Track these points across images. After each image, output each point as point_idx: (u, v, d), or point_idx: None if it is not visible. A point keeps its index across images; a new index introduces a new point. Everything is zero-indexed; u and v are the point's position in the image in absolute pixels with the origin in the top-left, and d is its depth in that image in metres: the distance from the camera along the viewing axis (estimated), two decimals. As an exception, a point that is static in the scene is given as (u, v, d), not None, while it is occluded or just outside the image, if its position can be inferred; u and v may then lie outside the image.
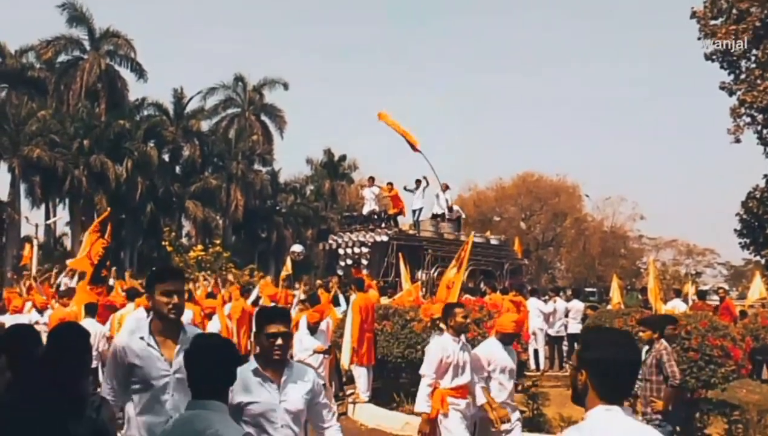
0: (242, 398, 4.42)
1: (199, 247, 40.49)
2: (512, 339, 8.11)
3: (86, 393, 3.89)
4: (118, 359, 4.69)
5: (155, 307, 4.74)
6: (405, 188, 27.52)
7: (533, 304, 19.75)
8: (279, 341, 4.53)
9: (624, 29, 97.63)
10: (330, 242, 27.78)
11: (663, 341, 8.60)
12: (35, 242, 33.90)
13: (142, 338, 4.70)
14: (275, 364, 4.59)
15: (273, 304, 13.85)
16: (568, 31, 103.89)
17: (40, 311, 14.12)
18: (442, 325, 8.00)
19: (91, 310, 13.08)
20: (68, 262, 15.65)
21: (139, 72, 54.46)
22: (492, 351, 7.93)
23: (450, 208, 28.07)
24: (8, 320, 13.04)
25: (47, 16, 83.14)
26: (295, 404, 4.59)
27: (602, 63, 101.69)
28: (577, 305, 20.68)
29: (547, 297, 22.10)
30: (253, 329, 4.74)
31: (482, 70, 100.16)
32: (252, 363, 4.60)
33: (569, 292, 23.33)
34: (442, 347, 7.66)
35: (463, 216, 29.02)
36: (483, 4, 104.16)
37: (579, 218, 64.43)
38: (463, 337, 7.85)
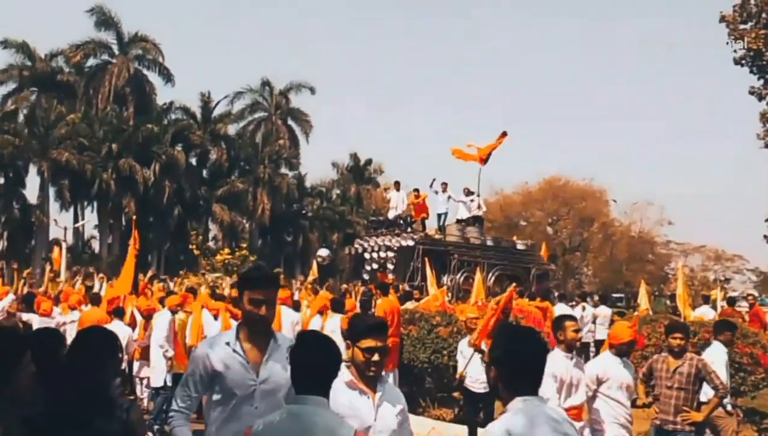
0: (338, 410, 4.04)
1: (226, 250, 40.66)
2: (629, 350, 7.49)
3: (113, 394, 3.93)
4: (199, 366, 4.36)
5: (243, 313, 4.43)
6: (431, 186, 27.37)
7: (560, 310, 19.61)
8: (376, 357, 4.28)
9: (651, 32, 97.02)
10: (356, 246, 27.81)
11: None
12: (64, 245, 34.15)
13: (228, 344, 4.36)
14: (369, 379, 4.35)
15: (286, 307, 13.80)
16: (593, 35, 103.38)
17: (72, 309, 14.29)
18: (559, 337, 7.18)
19: (119, 313, 13.20)
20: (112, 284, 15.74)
21: (167, 76, 54.89)
22: (607, 366, 7.29)
23: (478, 208, 27.80)
24: (36, 321, 13.17)
25: (76, 20, 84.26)
26: (389, 425, 4.35)
27: (629, 67, 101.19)
28: (605, 311, 20.56)
29: (574, 303, 21.98)
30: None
31: (509, 74, 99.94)
32: (345, 373, 4.33)
33: (596, 297, 23.18)
34: (553, 364, 6.73)
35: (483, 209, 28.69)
36: (501, 11, 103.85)
37: (606, 223, 63.98)
38: (575, 352, 7.17)
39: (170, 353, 12.46)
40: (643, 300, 22.88)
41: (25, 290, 17.05)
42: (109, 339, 4.10)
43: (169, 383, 12.44)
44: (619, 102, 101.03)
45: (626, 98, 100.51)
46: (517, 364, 3.55)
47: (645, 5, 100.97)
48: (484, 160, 25.74)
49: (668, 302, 26.70)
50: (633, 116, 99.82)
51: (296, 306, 14.97)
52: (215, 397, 4.36)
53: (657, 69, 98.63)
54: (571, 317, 7.47)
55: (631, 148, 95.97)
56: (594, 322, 20.02)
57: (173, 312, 12.98)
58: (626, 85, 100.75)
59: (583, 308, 20.11)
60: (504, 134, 25.96)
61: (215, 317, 13.16)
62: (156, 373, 12.50)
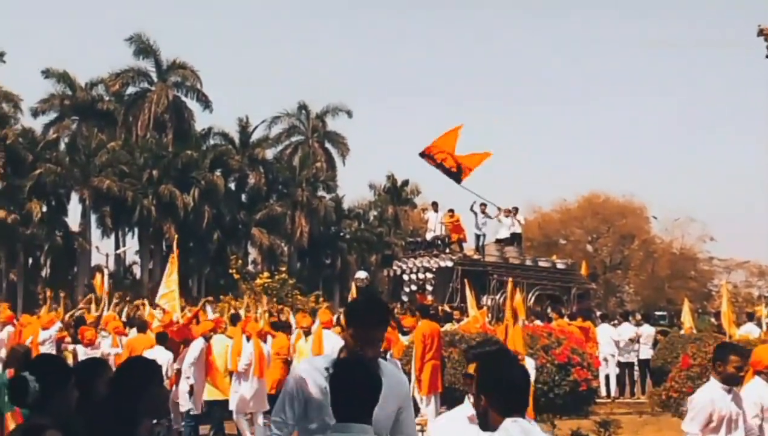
0: None
1: (265, 274, 40.81)
2: None
3: (148, 423, 3.97)
4: (295, 390, 4.12)
5: (348, 343, 4.16)
6: (471, 209, 27.33)
7: (604, 330, 19.43)
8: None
9: (688, 48, 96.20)
10: (394, 267, 27.76)
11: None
12: (106, 272, 34.55)
13: (327, 370, 4.05)
14: None
15: (328, 331, 13.78)
16: (632, 50, 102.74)
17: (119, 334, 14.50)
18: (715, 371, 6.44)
19: (162, 338, 13.31)
20: (159, 300, 15.89)
21: (205, 102, 55.58)
22: (762, 393, 6.54)
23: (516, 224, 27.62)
24: (81, 352, 13.33)
25: (115, 49, 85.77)
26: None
27: (667, 82, 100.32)
28: (648, 330, 20.29)
29: (616, 322, 21.75)
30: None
31: (545, 91, 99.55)
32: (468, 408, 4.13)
33: (638, 316, 22.88)
34: (710, 398, 6.21)
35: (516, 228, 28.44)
36: (542, 33, 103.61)
37: (647, 240, 63.23)
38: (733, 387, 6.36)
39: (191, 381, 12.55)
40: (686, 318, 22.54)
41: (77, 313, 17.32)
42: (149, 368, 4.14)
43: (196, 411, 12.54)
44: (658, 116, 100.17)
45: (665, 113, 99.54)
46: (508, 389, 3.63)
47: (689, 19, 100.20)
48: (457, 171, 24.28)
49: (712, 320, 26.23)
50: (672, 131, 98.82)
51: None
52: (311, 425, 4.12)
53: (698, 83, 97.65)
54: (737, 350, 6.59)
55: (670, 163, 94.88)
56: (638, 341, 19.75)
57: (206, 338, 13.07)
58: (664, 99, 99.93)
59: (625, 327, 19.86)
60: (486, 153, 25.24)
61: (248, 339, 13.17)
62: (183, 398, 12.61)
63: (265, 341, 13.79)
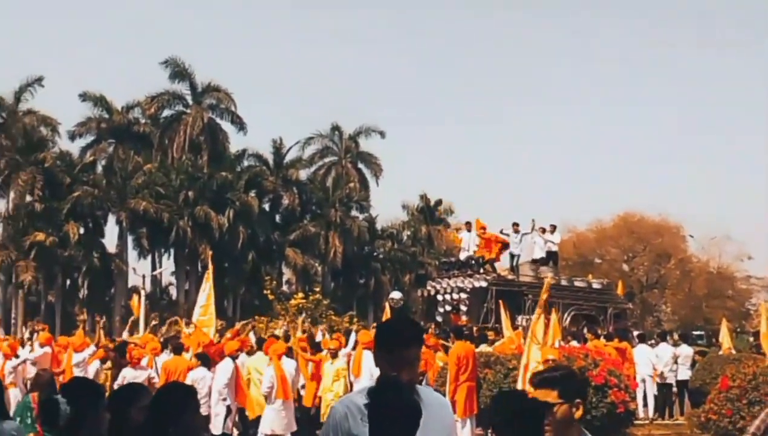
0: None
1: (300, 294, 40.99)
2: None
3: None
4: (336, 421, 3.83)
5: (381, 367, 3.87)
6: (501, 232, 27.38)
7: (642, 351, 19.22)
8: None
9: (724, 58, 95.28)
10: (428, 288, 27.77)
11: None
12: (142, 293, 34.91)
13: (366, 406, 3.75)
14: None
15: (369, 352, 13.78)
16: (670, 63, 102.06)
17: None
18: None
19: (203, 359, 13.40)
20: (196, 322, 16.04)
21: (240, 124, 56.10)
22: None
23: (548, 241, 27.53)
24: (128, 373, 13.44)
25: (151, 72, 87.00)
26: None
27: (702, 98, 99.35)
28: (686, 351, 20.03)
29: (653, 342, 21.52)
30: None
31: (581, 111, 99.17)
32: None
33: (676, 336, 22.63)
34: None
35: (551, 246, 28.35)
36: (578, 54, 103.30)
37: (684, 259, 62.55)
38: None
39: (228, 402, 12.60)
40: (725, 338, 22.28)
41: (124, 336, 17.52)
42: (186, 395, 4.16)
43: (227, 431, 12.60)
44: (692, 135, 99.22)
45: (699, 131, 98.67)
46: (520, 425, 3.48)
47: (721, 35, 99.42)
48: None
49: (751, 339, 25.87)
50: (707, 149, 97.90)
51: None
52: None
53: (731, 100, 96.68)
54: None
55: (706, 181, 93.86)
56: (676, 362, 19.50)
57: (233, 358, 13.14)
58: (699, 117, 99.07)
59: (662, 347, 19.63)
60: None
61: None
62: (217, 420, 12.62)
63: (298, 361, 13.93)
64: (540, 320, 11.76)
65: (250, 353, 14.88)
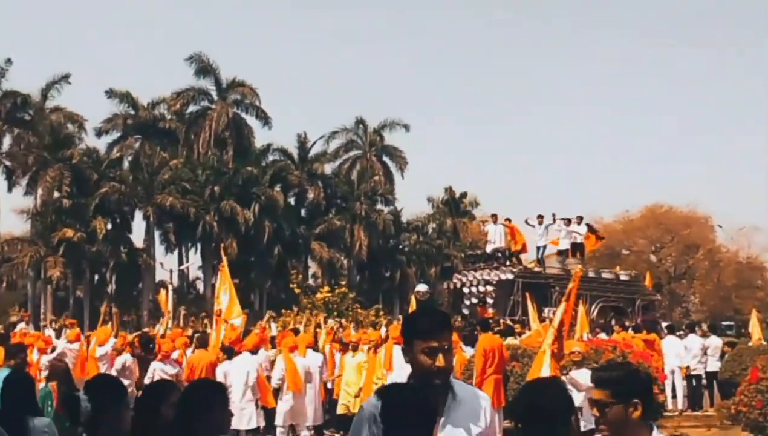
0: None
1: (326, 288, 41.04)
2: None
3: None
4: (365, 430, 3.64)
5: (414, 366, 3.71)
6: (526, 222, 27.26)
7: (670, 342, 19.05)
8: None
9: (750, 47, 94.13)
10: (454, 280, 27.73)
11: None
12: (170, 287, 35.13)
13: None
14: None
15: (399, 347, 13.76)
16: (694, 59, 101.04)
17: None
18: None
19: (229, 353, 13.44)
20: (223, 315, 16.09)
21: (264, 119, 56.18)
22: None
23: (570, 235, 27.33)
24: (158, 367, 13.51)
25: (176, 68, 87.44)
26: None
27: (730, 89, 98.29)
28: (716, 342, 19.84)
29: (681, 333, 21.35)
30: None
31: (607, 102, 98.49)
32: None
33: (704, 327, 22.43)
34: None
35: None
36: (601, 47, 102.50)
37: (712, 250, 62.06)
38: None
39: (257, 396, 12.67)
40: (755, 329, 22.06)
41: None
42: (214, 391, 4.16)
43: (262, 423, 12.65)
44: (720, 125, 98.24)
45: (727, 120, 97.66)
46: (544, 417, 3.45)
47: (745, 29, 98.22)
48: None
49: (782, 330, 25.57)
50: (735, 140, 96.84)
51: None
52: None
53: (759, 88, 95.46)
54: None
55: (734, 172, 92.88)
56: (705, 353, 19.32)
57: (252, 353, 13.17)
58: (726, 106, 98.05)
59: (691, 339, 19.45)
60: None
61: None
62: (244, 414, 12.58)
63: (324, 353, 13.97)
64: (561, 309, 11.57)
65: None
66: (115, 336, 16.35)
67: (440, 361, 3.59)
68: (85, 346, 15.50)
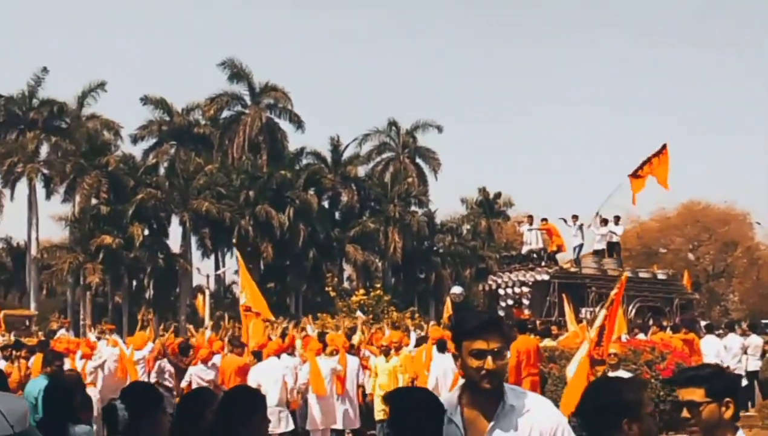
0: None
1: (361, 291, 41.09)
2: None
3: None
4: None
5: (464, 370, 3.53)
6: (564, 221, 27.05)
7: (709, 341, 18.81)
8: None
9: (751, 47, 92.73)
10: (489, 282, 27.63)
11: None
12: (207, 292, 35.37)
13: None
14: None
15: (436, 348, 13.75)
16: (727, 57, 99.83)
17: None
18: None
19: (258, 357, 13.52)
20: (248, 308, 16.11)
21: (298, 123, 56.45)
22: None
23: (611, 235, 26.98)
24: (195, 371, 13.64)
25: (209, 74, 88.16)
26: None
27: (734, 88, 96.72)
28: (756, 341, 19.55)
29: (720, 332, 21.07)
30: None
31: (642, 100, 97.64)
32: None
33: (744, 325, 22.11)
34: None
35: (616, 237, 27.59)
36: (638, 48, 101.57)
37: (751, 247, 61.20)
38: None
39: (286, 398, 12.74)
40: (796, 328, 21.72)
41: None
42: (253, 399, 4.18)
43: (290, 426, 12.70)
44: (756, 120, 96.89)
45: (763, 115, 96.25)
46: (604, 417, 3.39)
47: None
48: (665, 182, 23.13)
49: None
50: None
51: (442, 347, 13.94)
52: None
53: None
54: None
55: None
56: (745, 352, 19.05)
57: (277, 357, 13.21)
58: (762, 101, 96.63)
59: (730, 338, 19.18)
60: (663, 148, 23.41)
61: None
62: (282, 420, 12.64)
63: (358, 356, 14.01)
64: (602, 315, 11.46)
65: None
66: (153, 341, 16.49)
67: (489, 363, 3.39)
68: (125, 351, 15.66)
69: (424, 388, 3.58)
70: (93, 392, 13.11)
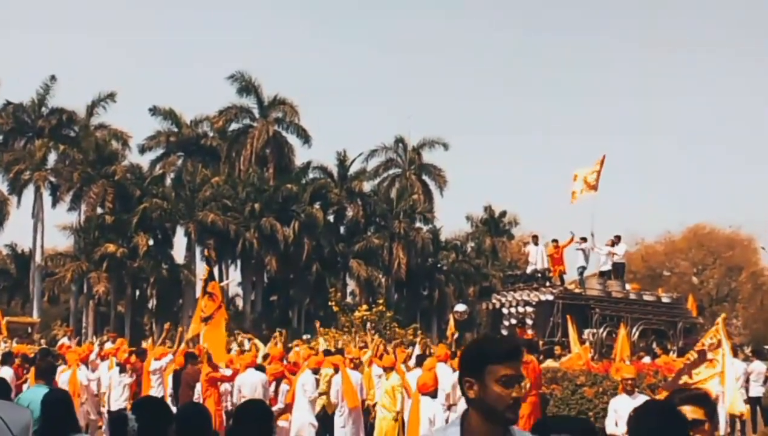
0: None
1: (364, 306, 41.00)
2: None
3: None
4: None
5: (484, 398, 3.22)
6: (571, 233, 26.89)
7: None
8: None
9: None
10: (493, 301, 27.52)
11: None
12: (210, 304, 35.27)
13: None
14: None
15: (444, 365, 13.70)
16: (739, 83, 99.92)
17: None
18: None
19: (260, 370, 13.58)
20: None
21: (305, 137, 56.54)
22: None
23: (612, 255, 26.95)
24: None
25: (218, 86, 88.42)
26: None
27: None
28: (759, 367, 19.51)
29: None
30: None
31: (648, 123, 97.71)
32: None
33: (747, 350, 22.04)
34: None
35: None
36: (646, 67, 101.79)
37: (756, 272, 61.14)
38: None
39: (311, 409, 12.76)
40: (799, 354, 21.64)
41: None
42: (263, 412, 4.21)
43: None
44: (765, 146, 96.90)
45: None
46: None
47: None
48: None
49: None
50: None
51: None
52: None
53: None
54: None
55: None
56: (747, 378, 18.98)
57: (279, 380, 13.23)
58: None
59: (739, 365, 19.09)
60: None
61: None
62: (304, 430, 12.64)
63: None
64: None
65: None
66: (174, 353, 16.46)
67: (518, 391, 3.17)
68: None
69: None
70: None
